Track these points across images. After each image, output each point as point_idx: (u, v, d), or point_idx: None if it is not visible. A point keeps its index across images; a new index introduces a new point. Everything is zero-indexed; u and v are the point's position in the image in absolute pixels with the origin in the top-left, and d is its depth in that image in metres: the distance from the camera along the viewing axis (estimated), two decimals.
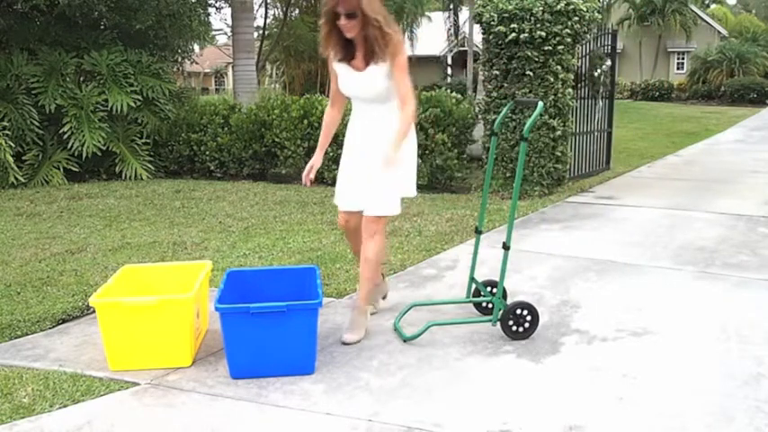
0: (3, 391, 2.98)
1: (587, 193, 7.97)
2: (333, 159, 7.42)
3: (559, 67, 7.44)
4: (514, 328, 3.52)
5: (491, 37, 7.66)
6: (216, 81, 44.27)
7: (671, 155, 11.79)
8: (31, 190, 8.29)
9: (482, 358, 3.31)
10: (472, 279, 3.91)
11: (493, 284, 3.82)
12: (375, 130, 3.47)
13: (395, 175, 3.42)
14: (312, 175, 3.66)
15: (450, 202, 7.36)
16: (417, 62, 31.94)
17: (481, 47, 8.16)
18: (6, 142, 8.25)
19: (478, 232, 3.99)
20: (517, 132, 7.57)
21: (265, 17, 20.78)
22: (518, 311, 3.52)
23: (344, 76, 3.48)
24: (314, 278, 3.43)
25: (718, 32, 36.03)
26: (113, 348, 3.19)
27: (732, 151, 12.40)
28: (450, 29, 24.67)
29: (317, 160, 3.70)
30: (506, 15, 7.46)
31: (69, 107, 8.79)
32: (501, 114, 4.01)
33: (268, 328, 3.07)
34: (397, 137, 3.34)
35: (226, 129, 9.16)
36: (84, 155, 8.72)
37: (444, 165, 7.89)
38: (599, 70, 8.90)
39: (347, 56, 3.42)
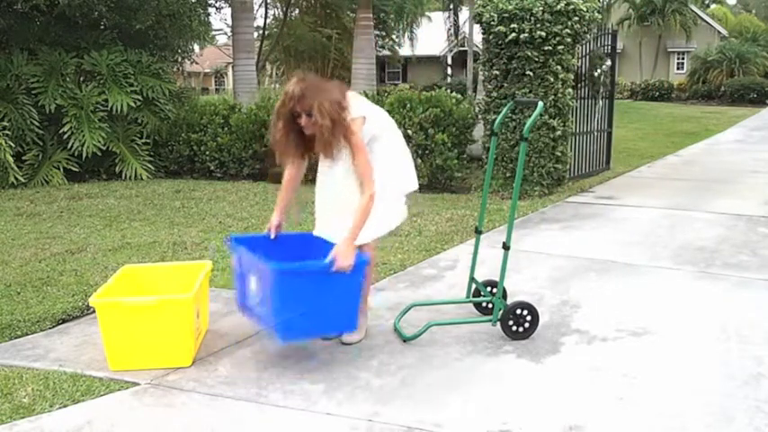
0: (3, 391, 2.98)
1: (587, 193, 7.97)
2: None
3: (559, 67, 7.44)
4: (514, 328, 3.52)
5: (491, 37, 7.66)
6: (216, 81, 44.26)
7: (671, 155, 11.79)
8: (31, 190, 8.29)
9: (482, 358, 3.31)
10: (472, 279, 3.91)
11: (493, 284, 3.82)
12: (335, 192, 3.41)
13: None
14: (274, 233, 3.52)
15: (451, 202, 7.36)
16: (417, 62, 31.99)
17: (481, 47, 8.16)
18: (6, 142, 8.25)
19: (478, 232, 3.99)
20: (517, 132, 7.57)
21: (265, 17, 20.79)
22: (518, 311, 3.52)
23: (322, 164, 3.44)
24: (317, 241, 3.42)
25: (718, 32, 36.02)
26: (113, 348, 3.19)
27: (732, 151, 12.40)
28: (450, 29, 24.67)
29: (276, 219, 3.54)
30: (506, 15, 7.46)
31: (69, 107, 8.79)
32: (501, 114, 4.01)
33: (318, 287, 3.07)
34: (352, 230, 3.18)
35: (226, 129, 9.16)
36: (84, 155, 8.72)
37: (444, 165, 7.89)
38: (599, 70, 8.90)
39: (307, 151, 3.38)
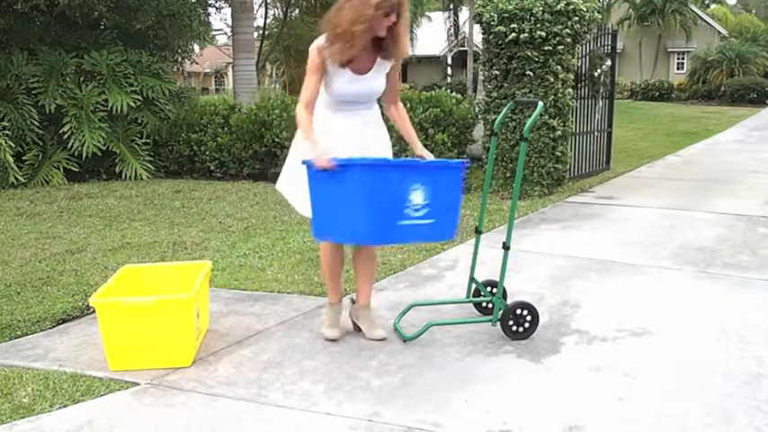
0: (3, 391, 2.98)
1: (587, 193, 7.97)
2: None
3: (559, 67, 7.44)
4: (514, 327, 3.52)
5: (491, 37, 7.66)
6: (216, 81, 44.27)
7: (671, 155, 11.79)
8: (31, 190, 8.29)
9: (482, 358, 3.31)
10: (472, 279, 3.91)
11: (493, 284, 3.82)
12: (368, 130, 3.38)
13: None
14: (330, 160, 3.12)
15: None
16: (417, 62, 32.00)
17: (481, 47, 8.16)
18: (6, 142, 8.25)
19: (478, 232, 3.99)
20: (517, 132, 7.57)
21: (265, 17, 20.79)
22: (518, 311, 3.52)
23: (345, 81, 3.27)
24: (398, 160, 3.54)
25: (718, 32, 36.04)
26: (113, 348, 3.19)
27: (732, 151, 12.40)
28: (450, 29, 24.69)
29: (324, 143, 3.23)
30: (506, 15, 7.46)
31: (69, 107, 8.79)
32: (501, 114, 4.01)
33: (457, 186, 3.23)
34: (414, 136, 3.45)
35: (226, 129, 9.16)
36: (84, 155, 8.72)
37: None
38: (599, 70, 8.90)
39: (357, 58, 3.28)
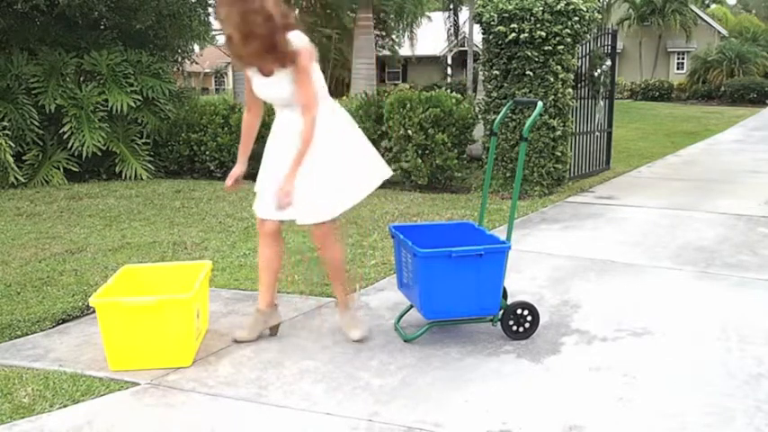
0: (3, 391, 2.98)
1: (587, 193, 7.97)
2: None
3: (559, 67, 7.44)
4: (515, 327, 3.52)
5: (491, 37, 7.67)
6: (216, 81, 44.27)
7: (671, 155, 11.79)
8: (31, 190, 8.29)
9: (482, 358, 3.31)
10: None
11: None
12: (287, 137, 3.34)
13: (310, 181, 3.26)
14: (230, 183, 3.54)
15: (450, 202, 7.36)
16: (417, 62, 32.00)
17: (481, 47, 8.16)
18: (6, 142, 8.25)
19: None
20: (517, 132, 7.57)
21: None
22: (518, 311, 3.52)
23: (255, 81, 3.35)
24: (475, 229, 3.77)
25: (718, 32, 36.04)
26: (113, 348, 3.19)
27: (732, 151, 12.39)
28: (450, 29, 24.65)
29: (238, 168, 3.55)
30: (506, 15, 7.46)
31: (69, 107, 8.79)
32: (501, 114, 4.01)
33: (464, 272, 3.31)
34: (295, 157, 3.20)
35: (226, 129, 9.15)
36: (84, 155, 8.72)
37: (444, 165, 7.89)
38: (599, 70, 8.90)
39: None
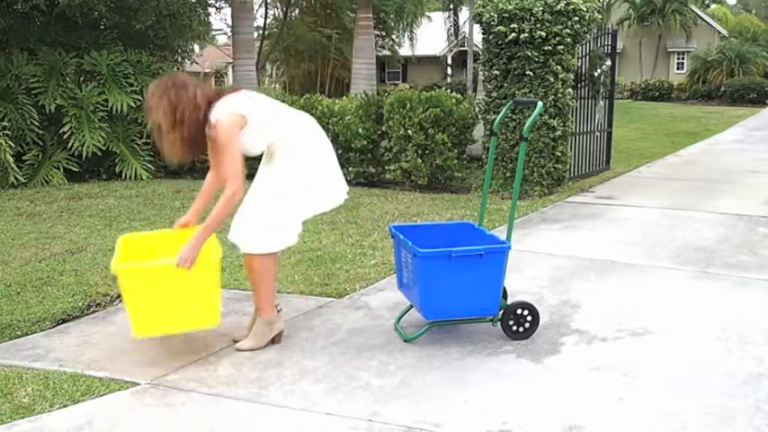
0: (3, 391, 2.98)
1: (587, 193, 7.97)
2: None
3: (559, 67, 7.44)
4: (515, 327, 3.52)
5: (491, 37, 7.66)
6: (216, 81, 44.24)
7: (671, 155, 11.78)
8: (31, 190, 8.29)
9: (482, 358, 3.31)
10: None
11: None
12: (257, 179, 3.50)
13: (264, 210, 3.34)
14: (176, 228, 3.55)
15: (450, 202, 7.36)
16: (417, 62, 31.99)
17: (481, 47, 8.16)
18: (6, 142, 8.25)
19: None
20: (517, 132, 7.57)
21: (265, 17, 20.80)
22: (518, 311, 3.52)
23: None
24: (475, 229, 3.78)
25: (718, 32, 36.03)
26: (139, 315, 3.13)
27: (732, 151, 12.39)
28: (450, 29, 24.66)
29: (185, 218, 3.56)
30: (506, 15, 7.46)
31: (69, 107, 8.79)
32: (501, 114, 4.01)
33: (464, 272, 3.32)
34: (206, 225, 3.19)
35: None
36: (84, 155, 8.72)
37: (444, 165, 7.89)
38: (599, 70, 8.90)
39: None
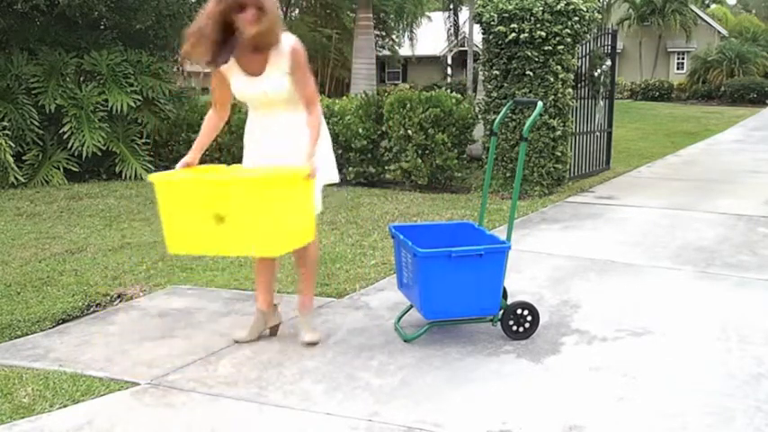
0: (3, 391, 2.98)
1: (587, 193, 7.97)
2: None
3: (559, 67, 7.44)
4: (515, 327, 3.52)
5: (491, 37, 7.67)
6: None
7: (671, 155, 11.79)
8: (31, 190, 8.29)
9: (482, 358, 3.31)
10: None
11: None
12: (277, 135, 3.33)
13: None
14: (179, 168, 3.40)
15: (450, 202, 7.36)
16: (417, 62, 31.98)
17: (481, 47, 8.16)
18: (6, 142, 8.25)
19: None
20: (517, 132, 7.57)
21: None
22: (518, 311, 3.52)
23: (238, 81, 3.30)
24: (475, 229, 3.78)
25: (718, 32, 36.04)
26: (271, 231, 3.02)
27: (732, 151, 12.40)
28: (450, 29, 24.66)
29: (190, 158, 3.46)
30: (506, 15, 7.47)
31: (69, 107, 8.79)
32: (500, 114, 4.01)
33: (464, 272, 3.32)
34: (308, 148, 3.18)
35: (226, 129, 9.13)
36: (84, 155, 8.72)
37: (444, 165, 7.89)
38: (599, 70, 8.90)
39: (227, 58, 3.21)
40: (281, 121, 3.34)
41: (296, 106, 3.31)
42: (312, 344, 3.45)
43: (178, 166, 3.42)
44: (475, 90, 13.37)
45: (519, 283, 4.39)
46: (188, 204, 3.11)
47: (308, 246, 3.40)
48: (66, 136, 8.75)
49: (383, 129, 8.17)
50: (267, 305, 3.56)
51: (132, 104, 9.08)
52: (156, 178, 3.16)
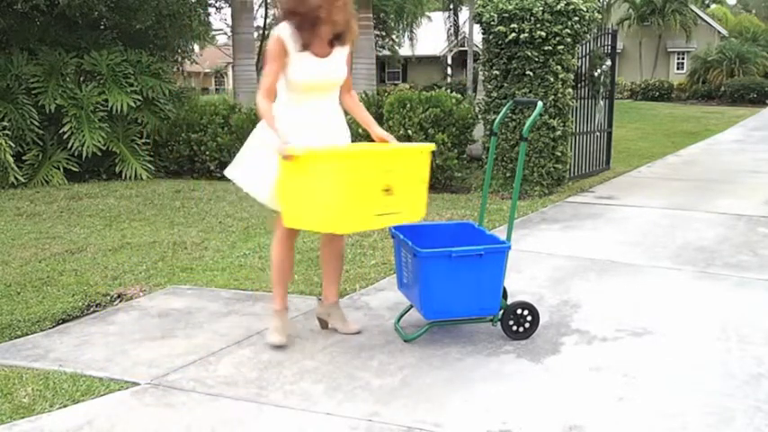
0: (3, 391, 2.98)
1: (587, 193, 7.97)
2: None
3: (559, 67, 7.45)
4: (515, 327, 3.52)
5: (491, 37, 7.67)
6: (216, 81, 44.31)
7: (671, 155, 11.79)
8: (31, 190, 8.29)
9: (482, 358, 3.31)
10: None
11: None
12: (333, 126, 3.40)
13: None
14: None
15: (451, 202, 7.36)
16: (417, 62, 32.02)
17: (481, 47, 8.17)
18: (6, 142, 8.26)
19: None
20: (517, 132, 7.57)
21: (265, 17, 20.82)
22: (518, 311, 3.52)
23: (308, 65, 3.25)
24: (475, 229, 3.76)
25: (718, 32, 36.05)
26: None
27: (732, 151, 12.40)
28: (450, 29, 24.69)
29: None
30: (506, 15, 7.47)
31: (69, 107, 8.79)
32: (500, 114, 4.01)
33: (464, 272, 3.32)
34: (379, 128, 3.44)
35: (226, 129, 9.15)
36: (84, 155, 8.73)
37: (444, 165, 7.89)
38: (599, 70, 8.90)
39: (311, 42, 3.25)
40: (337, 104, 3.44)
41: (336, 95, 3.45)
42: (358, 333, 3.58)
43: (297, 150, 3.09)
44: (475, 90, 13.38)
45: (519, 283, 4.39)
46: (365, 178, 3.14)
47: (341, 238, 3.58)
48: (66, 136, 8.75)
49: (383, 129, 8.17)
50: (335, 297, 3.66)
51: (132, 104, 9.09)
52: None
